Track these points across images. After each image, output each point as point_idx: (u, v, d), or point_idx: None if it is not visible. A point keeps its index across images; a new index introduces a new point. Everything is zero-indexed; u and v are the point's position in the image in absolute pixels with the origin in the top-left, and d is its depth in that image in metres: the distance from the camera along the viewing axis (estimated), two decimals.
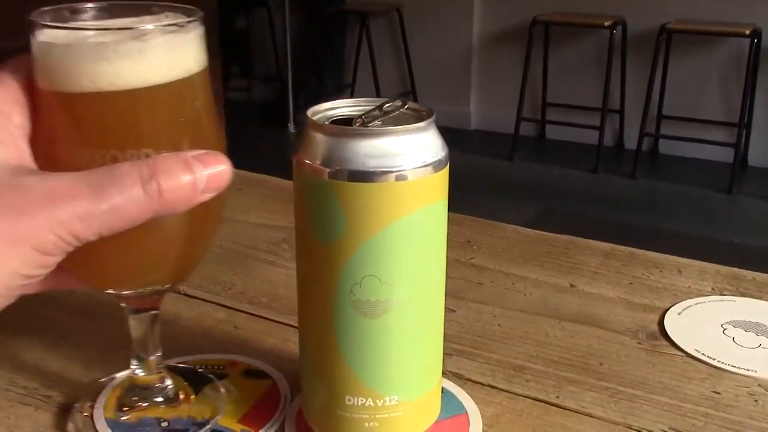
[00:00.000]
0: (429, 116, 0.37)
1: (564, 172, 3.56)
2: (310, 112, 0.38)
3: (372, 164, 0.35)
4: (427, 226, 0.37)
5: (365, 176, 0.35)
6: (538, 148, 3.93)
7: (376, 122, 0.37)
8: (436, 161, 0.36)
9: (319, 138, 0.36)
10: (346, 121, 0.38)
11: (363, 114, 0.37)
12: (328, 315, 0.37)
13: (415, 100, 4.17)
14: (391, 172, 0.35)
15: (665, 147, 3.71)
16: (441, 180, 0.37)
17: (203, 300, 0.56)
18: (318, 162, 0.36)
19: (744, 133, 3.38)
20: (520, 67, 3.73)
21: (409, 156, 0.35)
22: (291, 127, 4.24)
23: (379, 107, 0.38)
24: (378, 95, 4.05)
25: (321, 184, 0.36)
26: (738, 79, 3.42)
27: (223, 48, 2.81)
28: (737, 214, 3.13)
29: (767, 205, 3.17)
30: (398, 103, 0.37)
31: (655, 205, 3.24)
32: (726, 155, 3.39)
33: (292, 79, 4.21)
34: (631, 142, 3.66)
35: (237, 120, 3.33)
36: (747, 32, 3.22)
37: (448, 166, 0.37)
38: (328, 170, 0.35)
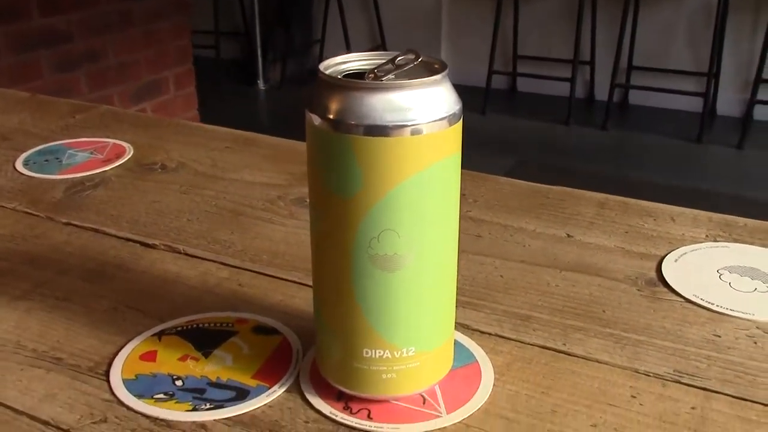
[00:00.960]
0: (442, 69, 0.37)
1: (536, 125, 3.57)
2: (322, 66, 0.37)
3: (389, 118, 0.35)
4: (443, 179, 0.37)
5: (382, 131, 0.35)
6: (509, 101, 3.93)
7: (390, 76, 0.37)
8: (450, 115, 0.36)
9: (334, 93, 0.36)
10: (358, 76, 0.37)
11: (375, 68, 0.37)
12: (346, 270, 0.37)
13: None
14: (407, 126, 0.35)
15: (635, 98, 3.73)
16: (455, 134, 0.37)
17: (204, 259, 0.56)
18: (333, 117, 0.35)
19: (713, 82, 3.42)
20: (491, 19, 3.71)
21: (425, 109, 0.35)
22: (260, 84, 4.19)
23: (392, 61, 0.37)
24: (348, 49, 4.01)
25: (337, 140, 0.35)
26: (707, 29, 3.45)
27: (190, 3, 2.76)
28: (707, 163, 3.17)
29: (736, 153, 3.22)
30: (411, 56, 0.37)
31: (626, 155, 3.27)
32: (695, 105, 3.43)
33: (260, 34, 4.14)
34: (602, 94, 3.68)
35: (206, 78, 3.28)
36: None
37: (461, 120, 0.37)
38: (343, 125, 0.35)
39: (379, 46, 4.15)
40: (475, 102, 3.72)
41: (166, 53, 2.69)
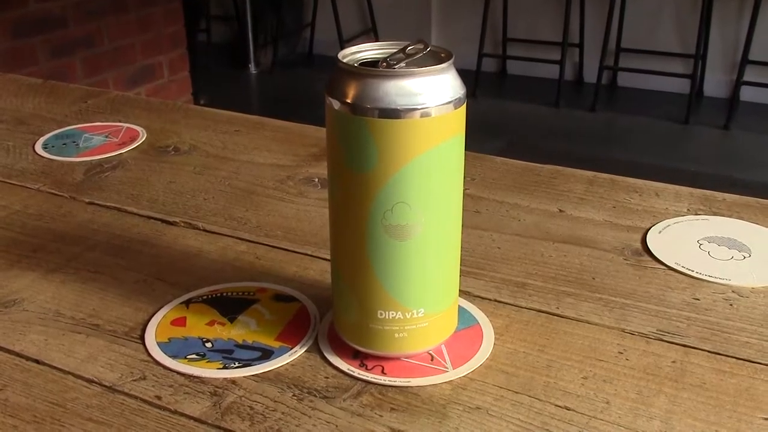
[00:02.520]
0: (448, 58, 0.41)
1: (526, 107, 3.61)
2: (340, 55, 0.41)
3: (401, 102, 0.39)
4: (450, 156, 0.41)
5: (395, 113, 0.39)
6: (499, 84, 3.97)
7: (401, 64, 0.41)
8: (456, 99, 0.40)
9: (351, 80, 0.40)
10: (372, 64, 0.41)
11: (388, 57, 0.41)
12: (362, 239, 0.42)
13: (376, 37, 4.16)
14: (417, 109, 0.39)
15: (624, 80, 3.78)
16: (460, 116, 0.41)
17: (222, 235, 0.60)
18: (351, 101, 0.39)
19: (700, 64, 3.46)
20: (480, 2, 3.73)
21: (433, 94, 0.39)
22: (252, 68, 4.20)
23: (403, 50, 0.41)
24: (339, 33, 4.03)
25: (355, 122, 0.40)
26: (694, 11, 3.49)
27: None
28: (694, 144, 3.22)
29: (722, 134, 3.27)
30: (420, 46, 0.41)
31: (614, 136, 3.32)
32: (682, 86, 3.47)
33: (251, 18, 4.15)
34: (590, 76, 3.72)
35: (198, 62, 3.30)
36: None
37: (465, 103, 0.41)
38: (360, 109, 0.39)
39: (370, 30, 4.17)
40: (465, 85, 3.74)
41: (160, 38, 2.71)
